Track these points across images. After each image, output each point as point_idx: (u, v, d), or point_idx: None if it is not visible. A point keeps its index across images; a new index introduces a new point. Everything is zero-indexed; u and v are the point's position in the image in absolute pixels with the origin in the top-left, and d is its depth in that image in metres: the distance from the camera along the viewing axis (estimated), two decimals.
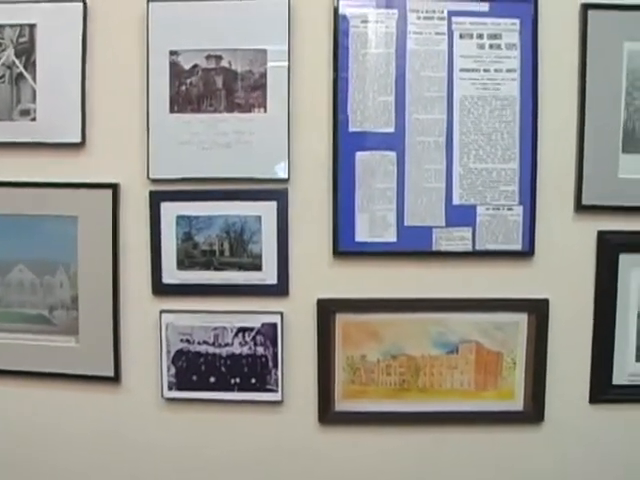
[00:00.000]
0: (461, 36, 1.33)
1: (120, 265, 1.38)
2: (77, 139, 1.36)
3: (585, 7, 1.32)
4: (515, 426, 1.40)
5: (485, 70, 1.34)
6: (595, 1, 1.32)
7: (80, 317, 1.39)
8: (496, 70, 1.34)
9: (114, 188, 1.36)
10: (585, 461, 1.42)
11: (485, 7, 1.33)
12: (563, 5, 1.33)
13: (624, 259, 1.36)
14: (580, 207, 1.35)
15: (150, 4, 1.33)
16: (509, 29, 1.33)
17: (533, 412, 1.39)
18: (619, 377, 1.39)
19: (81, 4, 1.34)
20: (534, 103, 1.33)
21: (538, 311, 1.36)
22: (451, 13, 1.33)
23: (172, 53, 1.34)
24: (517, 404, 1.39)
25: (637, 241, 1.36)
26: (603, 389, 1.39)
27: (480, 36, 1.34)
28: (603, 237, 1.36)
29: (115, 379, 1.40)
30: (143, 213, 1.37)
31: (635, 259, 1.36)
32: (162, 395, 1.40)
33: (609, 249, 1.36)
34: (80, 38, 1.34)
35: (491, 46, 1.34)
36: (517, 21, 1.33)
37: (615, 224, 1.36)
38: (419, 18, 1.33)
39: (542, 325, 1.36)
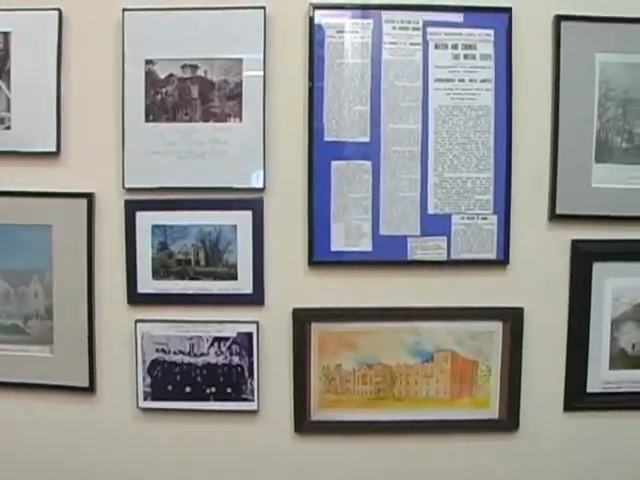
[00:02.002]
0: (436, 46, 1.34)
1: (95, 275, 1.37)
2: (52, 148, 1.35)
3: (558, 18, 1.34)
4: (490, 434, 1.41)
5: (460, 80, 1.35)
6: (568, 13, 1.34)
7: (55, 327, 1.38)
8: (471, 80, 1.35)
9: (89, 197, 1.36)
10: (560, 469, 1.43)
11: (460, 18, 1.34)
12: (537, 16, 1.35)
13: (598, 268, 1.37)
14: (554, 216, 1.36)
15: (126, 13, 1.33)
16: (484, 40, 1.35)
17: (508, 420, 1.39)
18: (593, 385, 1.40)
19: (56, 12, 1.33)
20: (508, 113, 1.35)
21: (513, 319, 1.37)
22: (426, 23, 1.34)
23: (148, 62, 1.34)
24: (492, 412, 1.40)
25: (610, 250, 1.37)
26: (577, 397, 1.40)
27: (455, 46, 1.35)
28: (577, 246, 1.37)
29: (90, 389, 1.39)
30: (118, 222, 1.36)
31: (608, 268, 1.38)
32: (137, 405, 1.39)
33: (583, 258, 1.37)
34: (55, 46, 1.34)
35: (466, 56, 1.35)
36: (492, 32, 1.34)
37: (588, 233, 1.37)
38: (394, 28, 1.34)
39: (517, 333, 1.37)
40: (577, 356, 1.39)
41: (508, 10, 1.34)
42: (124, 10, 1.33)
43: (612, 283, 1.38)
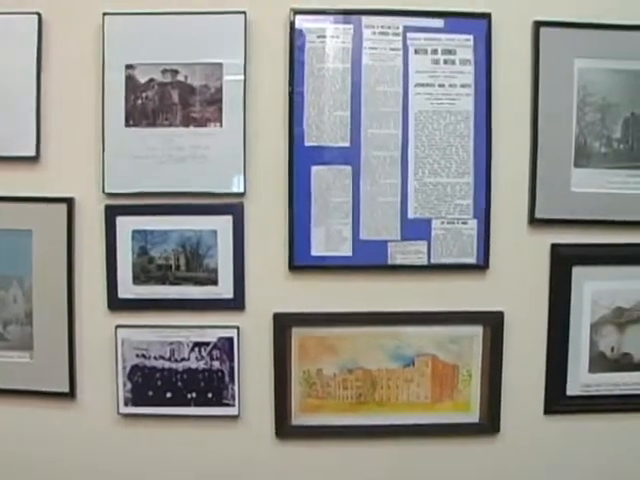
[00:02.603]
0: (416, 51, 1.35)
1: (75, 280, 1.37)
2: (32, 153, 1.34)
3: (537, 24, 1.34)
4: (471, 438, 1.41)
5: (440, 85, 1.35)
6: (547, 19, 1.35)
7: (34, 332, 1.37)
8: (451, 85, 1.35)
9: (69, 202, 1.35)
10: (540, 472, 1.43)
11: (440, 23, 1.35)
12: (516, 22, 1.36)
13: (577, 271, 1.38)
14: (534, 220, 1.37)
15: (106, 17, 1.32)
16: (463, 45, 1.35)
17: (489, 424, 1.40)
18: (573, 388, 1.41)
19: (36, 16, 1.33)
20: (488, 118, 1.35)
21: (493, 324, 1.38)
22: (406, 29, 1.34)
23: (128, 67, 1.33)
24: (473, 416, 1.40)
25: (589, 254, 1.39)
26: (557, 400, 1.41)
27: (435, 52, 1.35)
28: (556, 250, 1.38)
29: (70, 395, 1.38)
30: (98, 227, 1.36)
31: (588, 271, 1.39)
32: (118, 411, 1.38)
33: (562, 262, 1.38)
34: (35, 51, 1.33)
35: (446, 61, 1.35)
36: (471, 37, 1.35)
37: (568, 237, 1.38)
38: (374, 33, 1.34)
39: (497, 337, 1.38)
40: (557, 359, 1.40)
41: (487, 16, 1.34)
42: (104, 14, 1.32)
43: (591, 287, 1.39)
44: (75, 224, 1.36)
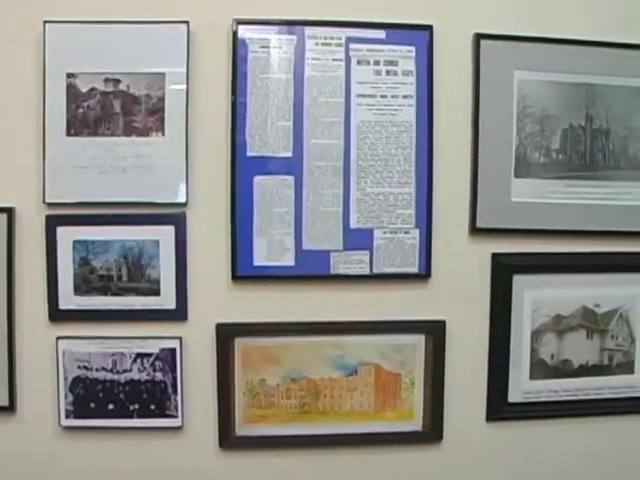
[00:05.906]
0: (358, 62, 1.36)
1: (15, 291, 1.34)
2: None
3: (478, 37, 1.37)
4: (415, 446, 1.43)
5: (382, 96, 1.36)
6: (488, 31, 1.37)
7: None
8: (392, 96, 1.37)
9: (9, 212, 1.33)
10: (484, 478, 1.45)
11: (382, 34, 1.36)
12: (457, 34, 1.38)
13: (517, 280, 1.41)
14: (475, 230, 1.39)
15: (47, 25, 1.31)
16: (405, 56, 1.37)
17: (432, 431, 1.41)
18: (514, 395, 1.43)
19: None
20: (429, 129, 1.37)
21: (435, 332, 1.39)
22: (349, 40, 1.35)
23: (69, 75, 1.32)
24: (416, 424, 1.41)
25: (530, 263, 1.41)
26: (499, 407, 1.43)
27: (377, 62, 1.36)
28: (497, 259, 1.40)
29: (10, 408, 1.36)
30: (39, 238, 1.34)
31: (528, 280, 1.41)
32: (59, 424, 1.36)
33: (503, 271, 1.40)
34: None
35: (388, 72, 1.37)
36: (413, 48, 1.37)
37: (508, 246, 1.40)
38: (317, 44, 1.35)
39: (439, 346, 1.39)
40: (498, 367, 1.42)
41: (429, 28, 1.36)
42: (45, 22, 1.31)
43: (531, 295, 1.42)
44: (15, 234, 1.34)
